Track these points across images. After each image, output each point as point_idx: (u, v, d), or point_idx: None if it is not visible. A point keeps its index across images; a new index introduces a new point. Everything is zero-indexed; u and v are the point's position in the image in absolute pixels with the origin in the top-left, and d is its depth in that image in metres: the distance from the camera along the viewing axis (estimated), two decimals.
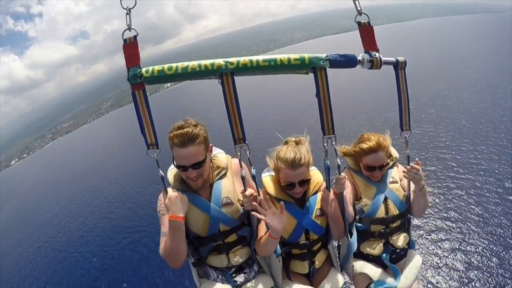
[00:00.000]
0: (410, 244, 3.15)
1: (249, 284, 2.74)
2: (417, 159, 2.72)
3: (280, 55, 2.33)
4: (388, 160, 2.98)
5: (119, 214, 18.66)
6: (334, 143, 2.46)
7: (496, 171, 12.65)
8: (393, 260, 3.02)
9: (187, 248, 2.51)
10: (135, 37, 2.25)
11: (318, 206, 2.75)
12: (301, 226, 2.73)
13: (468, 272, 8.91)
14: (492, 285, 8.46)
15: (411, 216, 3.14)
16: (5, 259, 18.43)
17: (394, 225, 2.95)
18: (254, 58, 2.30)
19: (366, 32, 2.47)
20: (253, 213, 2.42)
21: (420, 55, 40.58)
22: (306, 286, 2.81)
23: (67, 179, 32.40)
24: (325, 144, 2.44)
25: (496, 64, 29.21)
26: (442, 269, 9.11)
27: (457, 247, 9.72)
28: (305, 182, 2.64)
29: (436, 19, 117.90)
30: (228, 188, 2.64)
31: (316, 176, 2.83)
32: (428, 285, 8.71)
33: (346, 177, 2.72)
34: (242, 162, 2.50)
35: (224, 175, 2.70)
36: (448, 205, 11.30)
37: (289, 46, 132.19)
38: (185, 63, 2.28)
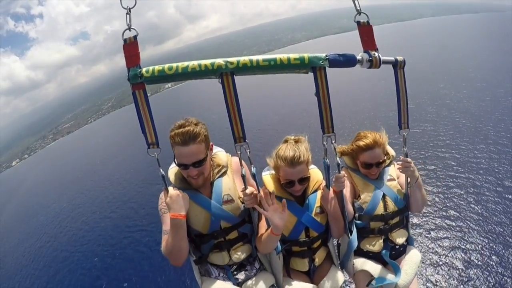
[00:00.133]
0: (409, 241, 3.22)
1: (250, 282, 2.79)
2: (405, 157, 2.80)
3: (279, 55, 2.38)
4: (385, 158, 3.03)
5: (120, 213, 18.71)
6: (333, 142, 2.51)
7: (496, 170, 12.67)
8: (393, 257, 3.08)
9: (189, 245, 2.56)
10: (135, 37, 2.30)
11: (318, 204, 2.80)
12: (301, 224, 2.79)
13: (468, 270, 8.93)
14: (492, 283, 8.48)
15: (411, 213, 3.20)
16: (6, 259, 18.50)
17: (393, 221, 3.02)
18: (254, 57, 2.36)
19: (365, 31, 2.52)
20: (255, 206, 2.48)
21: (420, 55, 40.59)
22: (306, 283, 2.86)
23: (68, 179, 32.46)
24: (324, 143, 2.50)
25: (496, 63, 29.21)
26: (442, 267, 9.14)
27: (457, 245, 9.75)
28: (305, 180, 2.69)
29: (436, 19, 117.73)
30: (229, 185, 2.70)
31: (315, 174, 2.89)
32: (428, 284, 8.74)
33: (346, 175, 2.77)
34: (242, 161, 2.55)
35: (225, 173, 2.75)
36: (448, 204, 11.33)
37: (289, 46, 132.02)
38: (185, 63, 2.32)
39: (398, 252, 3.12)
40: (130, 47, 2.31)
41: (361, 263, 3.03)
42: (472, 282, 8.59)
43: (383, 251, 3.04)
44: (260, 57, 2.36)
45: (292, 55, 2.37)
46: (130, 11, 2.29)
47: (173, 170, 2.74)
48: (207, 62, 2.32)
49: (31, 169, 57.76)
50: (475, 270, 8.87)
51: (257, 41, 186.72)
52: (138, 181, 23.03)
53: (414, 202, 3.00)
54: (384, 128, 3.08)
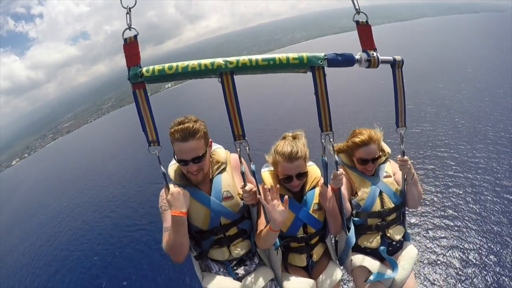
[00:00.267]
0: (406, 236, 3.26)
1: (250, 276, 2.83)
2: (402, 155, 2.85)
3: (279, 55, 2.40)
4: (380, 154, 3.08)
5: (120, 213, 18.71)
6: (331, 140, 2.55)
7: (495, 169, 12.69)
8: (390, 253, 3.12)
9: (189, 242, 2.60)
10: (135, 36, 2.32)
11: (315, 200, 2.84)
12: (299, 220, 2.83)
13: (466, 269, 8.96)
14: (490, 282, 8.51)
15: (408, 209, 3.25)
16: (7, 258, 18.50)
17: (390, 218, 3.06)
18: (254, 57, 2.38)
19: (364, 31, 2.55)
20: (258, 197, 2.52)
21: (419, 55, 40.56)
22: (304, 278, 2.91)
23: (68, 178, 32.44)
24: (323, 141, 2.54)
25: (496, 63, 29.19)
26: (440, 266, 9.16)
27: (455, 244, 9.77)
28: (302, 175, 2.74)
29: (436, 19, 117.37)
30: (228, 182, 2.75)
31: (314, 171, 2.94)
32: (425, 282, 8.77)
33: (344, 173, 2.81)
34: (242, 158, 2.58)
35: (224, 169, 2.80)
36: (446, 203, 11.36)
37: (289, 46, 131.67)
38: (185, 63, 2.35)
39: (395, 248, 3.17)
40: (131, 47, 2.33)
41: (359, 259, 3.07)
42: (470, 281, 8.62)
43: (381, 247, 3.08)
44: (260, 57, 2.38)
45: (291, 55, 2.39)
46: (130, 10, 2.30)
47: (172, 167, 2.77)
48: (207, 61, 2.34)
49: (31, 168, 57.70)
50: (473, 269, 8.90)
51: (257, 41, 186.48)
52: (137, 181, 23.04)
53: (411, 198, 3.05)
54: (378, 126, 3.12)
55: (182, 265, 12.18)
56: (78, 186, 27.57)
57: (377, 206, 3.02)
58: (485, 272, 8.75)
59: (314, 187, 2.89)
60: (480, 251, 9.37)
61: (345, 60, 2.49)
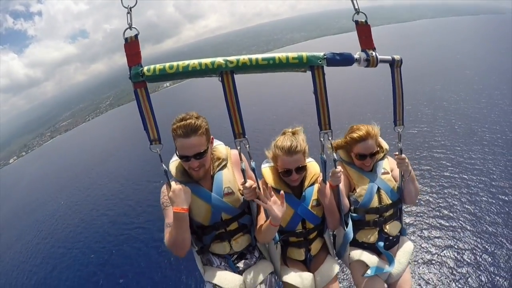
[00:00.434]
0: (402, 231, 3.32)
1: (250, 270, 2.89)
2: (399, 152, 2.90)
3: (278, 54, 2.41)
4: (378, 149, 3.13)
5: (117, 211, 18.69)
6: (330, 138, 2.60)
7: (490, 171, 12.74)
8: (387, 247, 3.19)
9: (191, 237, 2.65)
10: (136, 36, 2.35)
11: (314, 197, 2.90)
12: (298, 216, 2.90)
13: (460, 269, 9.01)
14: (484, 282, 8.56)
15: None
16: (4, 255, 18.47)
17: (387, 214, 3.11)
18: (254, 56, 2.40)
19: (363, 31, 2.59)
20: (256, 200, 2.58)
21: (418, 56, 40.61)
22: (303, 271, 2.97)
23: (66, 176, 32.36)
24: (321, 139, 2.59)
25: (494, 65, 29.25)
26: (435, 266, 9.21)
27: (450, 244, 9.82)
28: (301, 169, 2.79)
29: (436, 20, 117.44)
30: (229, 178, 2.80)
31: (313, 167, 2.99)
32: (420, 281, 8.82)
33: (342, 170, 2.87)
34: (242, 155, 2.63)
35: (225, 166, 2.85)
36: (441, 204, 11.40)
37: (288, 46, 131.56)
38: (186, 62, 2.37)
39: (391, 243, 3.22)
40: (132, 46, 2.34)
41: (357, 254, 3.13)
42: (464, 281, 8.67)
43: (379, 243, 3.14)
44: (260, 56, 2.39)
45: (291, 54, 2.40)
46: (131, 10, 2.32)
47: (174, 164, 2.81)
48: (208, 61, 2.36)
49: (28, 166, 57.50)
50: (467, 269, 8.95)
51: (256, 41, 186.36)
52: (135, 179, 23.03)
53: (408, 194, 3.10)
54: (375, 122, 3.17)
55: (178, 263, 12.26)
56: (76, 184, 27.54)
57: (375, 203, 3.06)
58: (479, 272, 8.81)
59: (313, 184, 2.94)
60: (474, 251, 9.42)
61: (344, 60, 2.51)
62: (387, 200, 3.08)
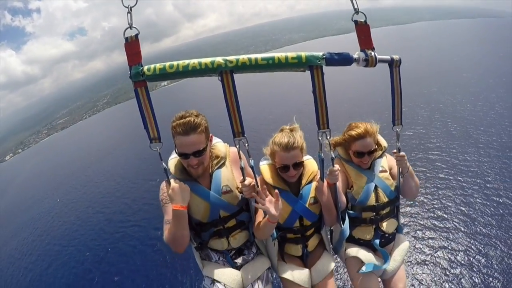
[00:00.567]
0: (398, 229, 3.37)
1: (248, 265, 2.95)
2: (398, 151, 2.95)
3: (278, 54, 2.48)
4: (376, 147, 3.18)
5: (113, 209, 18.64)
6: (328, 137, 2.64)
7: (485, 173, 12.81)
8: (383, 244, 3.25)
9: (190, 233, 2.71)
10: (136, 35, 2.40)
11: (312, 194, 2.97)
12: (296, 213, 2.97)
13: (453, 270, 9.05)
14: (477, 283, 8.61)
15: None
16: (0, 253, 18.43)
17: (384, 212, 3.18)
18: (253, 56, 2.47)
19: (363, 30, 2.64)
20: (253, 194, 2.62)
21: (415, 58, 40.64)
22: (299, 267, 3.04)
23: (62, 174, 32.21)
24: (319, 138, 2.64)
25: (491, 68, 29.26)
26: (428, 266, 9.25)
27: (443, 245, 9.86)
28: (299, 164, 2.87)
29: (434, 23, 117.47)
30: (227, 176, 2.85)
31: (311, 165, 3.06)
32: (413, 281, 8.86)
33: (339, 168, 2.92)
34: (241, 153, 2.67)
35: (223, 164, 2.90)
36: (436, 205, 11.44)
37: (287, 47, 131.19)
38: (186, 61, 2.41)
39: (387, 240, 3.29)
40: (132, 46, 2.39)
41: (353, 251, 3.20)
42: (457, 281, 8.72)
43: (375, 241, 3.19)
44: (259, 56, 2.44)
45: (290, 54, 2.47)
46: (131, 10, 2.37)
47: (173, 161, 2.86)
48: (207, 60, 2.41)
49: (24, 163, 57.21)
50: (460, 270, 8.98)
51: (254, 41, 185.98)
52: (131, 177, 22.96)
53: (409, 189, 3.15)
54: (373, 120, 3.20)
55: (174, 261, 12.24)
56: (72, 182, 27.41)
57: (372, 201, 3.12)
58: (472, 273, 8.84)
59: (310, 182, 2.99)
60: (468, 252, 9.46)
61: (343, 59, 2.57)
62: (384, 198, 3.14)
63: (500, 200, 11.13)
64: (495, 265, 8.95)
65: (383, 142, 3.33)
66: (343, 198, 3.09)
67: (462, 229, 10.31)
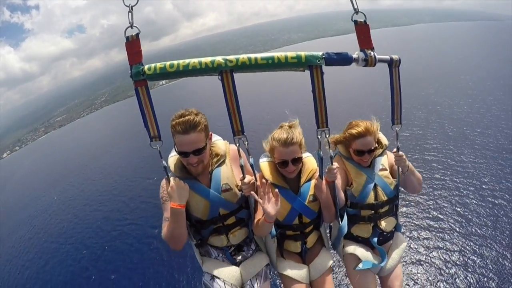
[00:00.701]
0: (397, 227, 3.39)
1: (247, 261, 2.98)
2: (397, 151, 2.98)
3: (277, 53, 2.43)
4: (376, 145, 3.20)
5: (111, 207, 18.65)
6: (327, 136, 2.67)
7: (481, 174, 12.87)
8: (380, 242, 3.26)
9: (189, 230, 2.74)
10: (137, 35, 2.40)
11: (311, 192, 2.97)
12: (295, 210, 2.98)
13: (449, 269, 9.11)
14: (471, 282, 8.66)
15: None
16: None
17: (383, 210, 3.17)
18: (253, 56, 2.41)
19: (362, 30, 2.62)
20: (252, 192, 2.65)
21: (414, 60, 40.73)
22: (298, 263, 3.08)
23: (59, 172, 32.16)
24: (318, 137, 2.65)
25: (489, 71, 29.44)
26: (423, 266, 9.30)
27: (439, 245, 9.91)
28: (297, 160, 2.87)
29: (433, 25, 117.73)
30: (227, 174, 2.85)
31: (310, 163, 3.07)
32: (408, 281, 8.91)
33: (338, 166, 2.94)
34: (241, 151, 2.70)
35: (223, 162, 2.90)
36: (432, 206, 11.50)
37: (286, 47, 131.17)
38: (186, 61, 2.40)
39: (385, 238, 3.29)
40: (133, 45, 2.37)
41: (351, 248, 3.20)
42: (452, 281, 8.78)
43: (373, 239, 3.22)
44: (259, 56, 2.40)
45: (290, 54, 2.43)
46: (132, 9, 2.39)
47: (172, 160, 2.87)
48: (207, 60, 2.38)
49: (22, 161, 57.10)
50: (455, 270, 9.05)
51: (253, 40, 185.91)
52: (129, 175, 22.97)
53: (411, 185, 3.15)
54: (374, 118, 3.23)
55: (170, 259, 12.25)
56: (69, 180, 27.38)
57: (371, 199, 3.11)
58: (467, 273, 8.90)
59: (310, 179, 3.02)
60: (463, 252, 9.53)
61: (342, 59, 2.53)
62: (383, 197, 3.13)
63: (496, 201, 11.20)
64: (489, 266, 9.01)
65: (384, 140, 3.33)
66: (342, 196, 3.10)
67: (458, 229, 10.37)
